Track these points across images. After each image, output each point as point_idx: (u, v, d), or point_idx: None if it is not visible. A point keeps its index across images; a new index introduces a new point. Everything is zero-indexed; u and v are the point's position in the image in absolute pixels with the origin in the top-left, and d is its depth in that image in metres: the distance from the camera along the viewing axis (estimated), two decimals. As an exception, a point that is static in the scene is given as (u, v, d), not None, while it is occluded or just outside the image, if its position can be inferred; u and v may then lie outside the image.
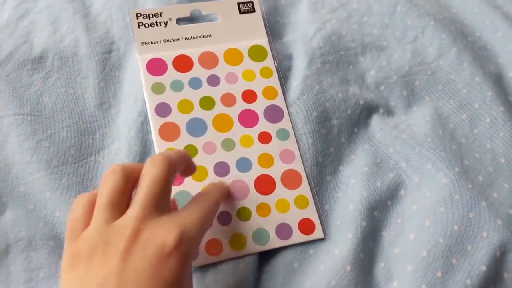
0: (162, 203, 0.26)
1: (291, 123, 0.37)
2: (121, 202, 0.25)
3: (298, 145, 0.36)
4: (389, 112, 0.39)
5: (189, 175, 0.31)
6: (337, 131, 0.37)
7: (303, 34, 0.40)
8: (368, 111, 0.38)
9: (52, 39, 0.37)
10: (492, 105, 0.38)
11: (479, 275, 0.31)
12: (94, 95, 0.36)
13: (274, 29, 0.41)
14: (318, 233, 0.33)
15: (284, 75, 0.39)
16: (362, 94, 0.38)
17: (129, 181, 0.26)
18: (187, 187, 0.33)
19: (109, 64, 0.37)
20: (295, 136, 0.36)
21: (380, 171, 0.35)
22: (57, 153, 0.34)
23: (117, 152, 0.35)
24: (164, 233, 0.24)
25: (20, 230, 0.32)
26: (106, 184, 0.26)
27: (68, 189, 0.33)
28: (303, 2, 0.43)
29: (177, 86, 0.36)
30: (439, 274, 0.31)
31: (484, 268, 0.31)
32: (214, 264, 0.31)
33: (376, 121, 0.38)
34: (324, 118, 0.37)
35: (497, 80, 0.40)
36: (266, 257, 0.33)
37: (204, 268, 0.31)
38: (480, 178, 0.35)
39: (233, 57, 0.38)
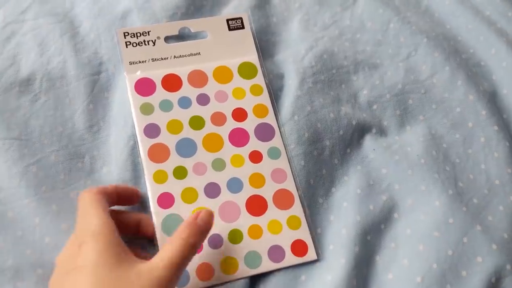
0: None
1: (283, 142, 0.36)
2: None
3: (290, 165, 0.35)
4: (382, 132, 0.38)
5: (129, 204, 0.32)
6: (329, 152, 0.36)
7: (295, 53, 0.40)
8: (360, 131, 0.37)
9: (40, 61, 0.37)
10: (486, 124, 0.38)
11: (474, 302, 0.31)
12: (83, 117, 0.36)
13: (266, 47, 0.41)
14: (311, 254, 0.33)
15: (275, 94, 0.38)
16: (355, 114, 0.38)
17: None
18: (177, 210, 0.33)
19: (98, 86, 0.37)
20: (287, 157, 0.36)
21: (373, 193, 0.35)
22: (46, 178, 0.33)
23: (107, 176, 0.34)
24: None
25: (8, 259, 0.31)
26: None
27: (58, 215, 0.32)
28: (295, 19, 0.42)
29: (166, 106, 0.36)
30: (433, 301, 0.31)
31: (479, 294, 0.31)
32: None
33: (369, 142, 0.37)
34: (316, 139, 0.36)
35: (491, 98, 0.39)
36: (256, 283, 0.32)
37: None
38: (475, 201, 0.35)
39: (222, 75, 0.38)
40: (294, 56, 0.40)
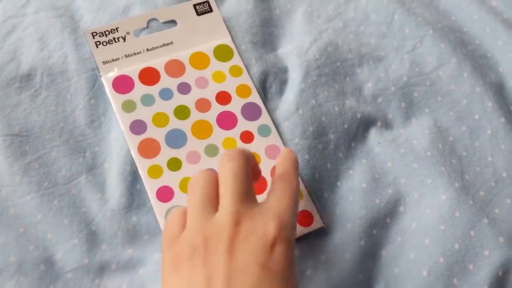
0: (250, 195, 0.26)
1: (272, 120, 0.36)
2: (212, 200, 0.26)
3: (281, 140, 0.36)
4: (387, 125, 0.38)
5: (256, 179, 0.30)
6: (334, 146, 0.36)
7: (299, 46, 0.39)
8: (365, 124, 0.37)
9: (40, 55, 0.36)
10: (493, 116, 0.37)
11: (482, 296, 0.30)
12: (84, 112, 0.36)
13: (269, 40, 0.40)
14: (317, 223, 0.33)
15: (279, 88, 0.38)
16: (359, 107, 0.37)
17: (216, 180, 0.27)
18: (178, 201, 0.33)
19: (99, 80, 0.37)
20: (278, 132, 0.36)
21: (378, 187, 0.34)
22: (48, 174, 0.33)
23: (108, 172, 0.34)
24: (263, 224, 0.25)
25: (10, 255, 0.31)
26: (196, 185, 0.27)
27: (60, 210, 0.32)
28: (298, 11, 0.42)
29: (148, 100, 0.36)
30: (440, 295, 0.30)
31: (486, 288, 0.30)
32: None
33: (374, 135, 0.37)
34: (321, 133, 0.36)
35: (498, 90, 0.39)
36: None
37: None
38: (481, 194, 0.34)
39: (199, 61, 0.38)
40: (298, 49, 0.39)
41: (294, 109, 0.36)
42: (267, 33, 0.41)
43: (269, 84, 0.38)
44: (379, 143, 0.36)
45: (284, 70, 0.39)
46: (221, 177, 0.26)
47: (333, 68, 0.39)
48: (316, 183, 0.35)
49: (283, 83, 0.38)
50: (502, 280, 0.31)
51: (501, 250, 0.31)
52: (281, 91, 0.38)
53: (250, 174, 0.27)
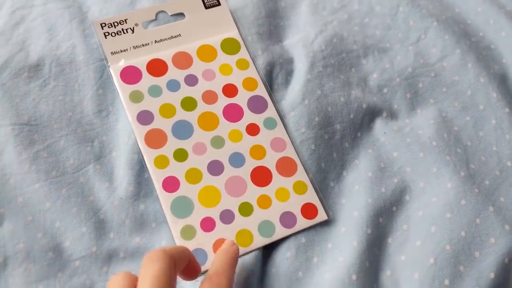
0: None
1: (278, 114, 0.36)
2: None
3: (287, 133, 0.36)
4: (392, 115, 0.38)
5: (194, 276, 0.28)
6: (340, 136, 0.36)
7: (304, 37, 0.40)
8: (371, 114, 0.37)
9: (49, 46, 0.37)
10: (497, 106, 0.37)
11: (488, 282, 0.30)
12: (92, 102, 0.36)
13: (275, 31, 0.41)
14: (321, 215, 0.33)
15: (285, 79, 0.38)
16: (365, 97, 0.37)
17: (134, 284, 0.24)
18: (184, 192, 0.33)
19: (106, 71, 0.37)
20: (283, 125, 0.36)
21: (384, 176, 0.35)
22: (56, 163, 0.33)
23: (116, 161, 0.34)
24: None
25: (19, 242, 0.31)
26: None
27: (68, 199, 0.32)
28: (304, 3, 0.42)
29: (155, 91, 0.36)
30: (446, 282, 0.30)
31: (492, 275, 0.30)
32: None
33: (379, 125, 0.37)
34: (327, 123, 0.36)
35: (502, 80, 0.39)
36: (269, 266, 0.32)
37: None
38: (487, 182, 0.34)
39: (206, 53, 0.38)
40: (304, 40, 0.39)
41: (300, 100, 0.37)
42: (273, 24, 0.41)
43: (275, 74, 0.38)
44: (385, 133, 0.37)
45: (290, 61, 0.39)
46: (141, 280, 0.24)
47: (338, 59, 0.39)
48: (322, 173, 0.35)
49: (289, 73, 0.38)
50: (508, 267, 0.31)
51: (506, 237, 0.32)
52: (287, 81, 0.38)
53: (173, 277, 0.25)
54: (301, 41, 0.39)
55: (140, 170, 0.34)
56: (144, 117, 0.35)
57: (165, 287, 0.23)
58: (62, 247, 0.31)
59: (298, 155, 0.35)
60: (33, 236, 0.31)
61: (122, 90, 0.35)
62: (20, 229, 0.31)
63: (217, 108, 0.36)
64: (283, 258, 0.32)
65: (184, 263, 0.26)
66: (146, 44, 0.37)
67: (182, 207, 0.32)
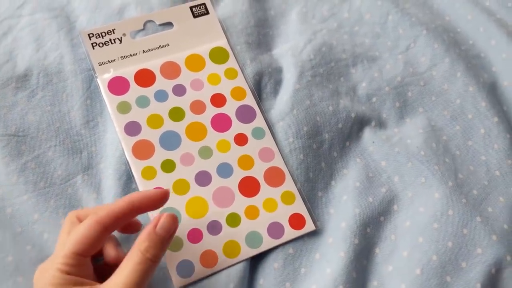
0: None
1: (266, 123, 0.36)
2: None
3: (275, 143, 0.36)
4: (381, 124, 0.38)
5: (133, 232, 0.31)
6: (328, 146, 0.36)
7: (293, 46, 0.40)
8: (360, 124, 0.37)
9: (36, 56, 0.37)
10: (486, 115, 0.37)
11: (474, 293, 0.30)
12: (80, 113, 0.36)
13: (264, 40, 0.41)
14: (309, 225, 0.33)
15: (274, 88, 0.38)
16: (354, 106, 0.37)
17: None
18: (171, 204, 0.33)
19: (95, 81, 0.37)
20: (272, 135, 0.36)
21: (372, 186, 0.35)
22: (44, 174, 0.33)
23: (104, 172, 0.34)
24: None
25: (8, 255, 0.31)
26: None
27: (56, 210, 0.32)
28: (293, 12, 0.42)
29: (143, 102, 0.36)
30: (433, 293, 0.30)
31: (479, 286, 0.31)
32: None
33: (368, 134, 0.37)
34: (315, 133, 0.36)
35: (491, 89, 0.39)
36: (256, 276, 0.32)
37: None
38: (475, 192, 0.35)
39: (195, 63, 0.38)
40: (293, 49, 0.39)
41: (288, 109, 0.37)
42: (262, 33, 0.41)
43: (264, 84, 0.38)
44: (373, 142, 0.37)
45: (279, 71, 0.39)
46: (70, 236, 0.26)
47: (327, 68, 0.39)
48: (311, 183, 0.35)
49: (277, 83, 0.38)
50: (495, 278, 0.31)
51: (493, 248, 0.32)
52: (275, 91, 0.38)
53: (100, 238, 0.26)
54: (290, 50, 0.39)
55: (127, 181, 0.34)
56: (132, 128, 0.35)
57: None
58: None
59: (286, 165, 0.35)
60: (22, 248, 0.31)
61: (109, 101, 0.35)
62: (9, 241, 0.31)
63: (205, 118, 0.36)
64: (271, 269, 0.32)
65: (118, 226, 0.28)
66: (134, 54, 0.37)
67: None
